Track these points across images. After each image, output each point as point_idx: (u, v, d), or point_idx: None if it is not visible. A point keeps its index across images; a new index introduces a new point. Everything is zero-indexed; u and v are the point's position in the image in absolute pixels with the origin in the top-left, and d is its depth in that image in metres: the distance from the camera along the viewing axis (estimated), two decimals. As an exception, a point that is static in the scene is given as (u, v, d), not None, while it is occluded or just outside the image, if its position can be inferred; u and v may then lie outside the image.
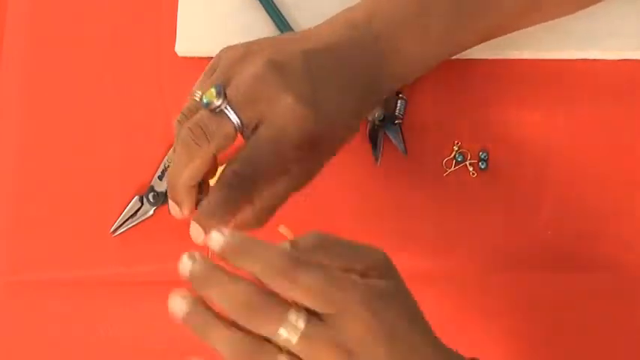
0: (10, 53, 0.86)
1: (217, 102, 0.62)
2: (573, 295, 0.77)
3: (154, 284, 0.79)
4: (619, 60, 0.80)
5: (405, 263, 0.78)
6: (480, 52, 0.81)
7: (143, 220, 0.80)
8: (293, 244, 0.56)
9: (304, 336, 0.51)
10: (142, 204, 0.80)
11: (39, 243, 0.81)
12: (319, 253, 0.56)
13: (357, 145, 0.80)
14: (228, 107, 0.63)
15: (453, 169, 0.80)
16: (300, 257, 0.53)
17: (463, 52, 0.81)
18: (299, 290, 0.52)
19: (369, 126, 0.80)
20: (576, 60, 0.81)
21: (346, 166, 0.80)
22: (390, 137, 0.80)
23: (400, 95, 0.80)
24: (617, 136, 0.79)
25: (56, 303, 0.80)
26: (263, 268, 0.53)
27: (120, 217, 0.80)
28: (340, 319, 0.53)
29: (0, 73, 0.85)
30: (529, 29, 0.80)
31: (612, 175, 0.79)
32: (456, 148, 0.80)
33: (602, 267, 0.78)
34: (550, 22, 0.80)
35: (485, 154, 0.80)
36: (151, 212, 0.80)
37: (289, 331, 0.52)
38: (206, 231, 0.62)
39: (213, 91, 0.63)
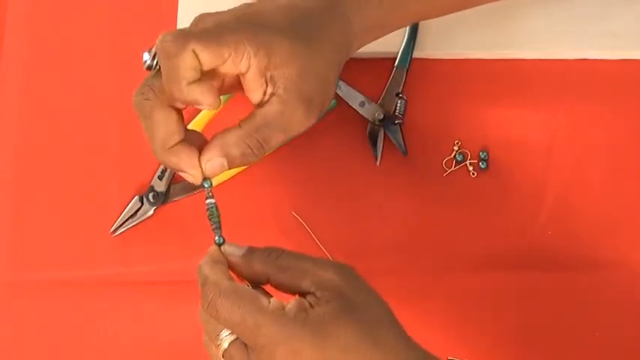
0: (10, 53, 0.86)
1: (149, 61, 0.64)
2: (574, 295, 0.77)
3: (154, 284, 0.79)
4: (619, 60, 0.80)
5: (405, 262, 0.79)
6: (480, 52, 0.81)
7: (143, 220, 0.80)
8: (249, 248, 0.62)
9: (227, 353, 0.59)
10: (142, 204, 0.80)
11: (39, 243, 0.81)
12: (268, 266, 0.61)
13: (357, 145, 0.81)
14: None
15: (453, 169, 0.80)
16: (225, 290, 0.59)
17: (463, 52, 0.81)
18: (221, 323, 0.59)
19: (369, 126, 0.80)
20: (576, 60, 0.81)
21: (346, 166, 0.80)
22: (390, 137, 0.80)
23: (400, 95, 0.81)
24: (617, 135, 0.80)
25: (56, 303, 0.80)
26: (201, 301, 0.60)
27: (120, 217, 0.80)
28: (259, 354, 0.58)
29: (0, 73, 0.85)
30: (529, 29, 0.80)
31: (612, 174, 0.79)
32: (456, 148, 0.80)
33: (603, 266, 0.78)
34: (550, 23, 0.80)
35: (485, 154, 0.80)
36: (151, 212, 0.80)
37: (219, 346, 0.60)
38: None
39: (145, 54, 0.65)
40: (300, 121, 0.65)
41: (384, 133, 0.80)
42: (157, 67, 0.63)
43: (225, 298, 0.58)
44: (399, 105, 0.80)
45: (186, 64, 0.60)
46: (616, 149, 0.79)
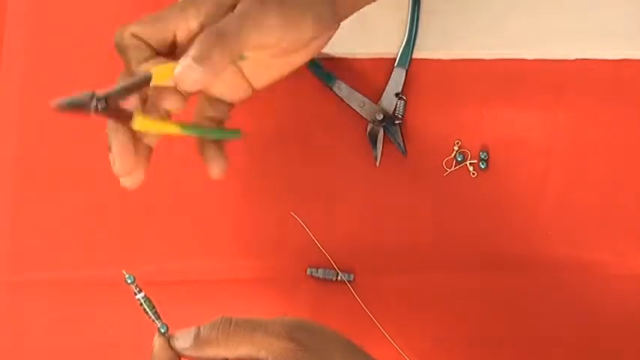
0: (10, 53, 0.86)
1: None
2: (574, 295, 0.77)
3: (154, 284, 0.79)
4: (619, 60, 0.80)
5: (404, 262, 0.79)
6: (480, 52, 0.81)
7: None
8: (196, 334, 0.60)
9: None
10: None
11: (39, 243, 0.81)
12: (220, 346, 0.59)
13: (357, 145, 0.81)
14: None
15: (453, 169, 0.80)
16: None
17: (463, 52, 0.81)
18: None
19: (369, 126, 0.80)
20: (576, 60, 0.81)
21: (346, 166, 0.80)
22: (390, 137, 0.80)
23: (400, 95, 0.81)
24: (617, 136, 0.79)
25: (56, 303, 0.80)
26: None
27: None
28: None
29: (0, 73, 0.85)
30: (529, 29, 0.80)
31: (612, 174, 0.79)
32: (456, 148, 0.80)
33: (602, 266, 0.78)
34: (550, 22, 0.80)
35: (485, 154, 0.80)
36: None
37: None
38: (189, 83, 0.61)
39: None
40: (272, 20, 0.62)
41: (384, 134, 0.80)
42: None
43: None
44: (398, 105, 0.80)
45: (129, 44, 0.64)
46: (616, 149, 0.79)
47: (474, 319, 0.77)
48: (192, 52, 0.60)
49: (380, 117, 0.80)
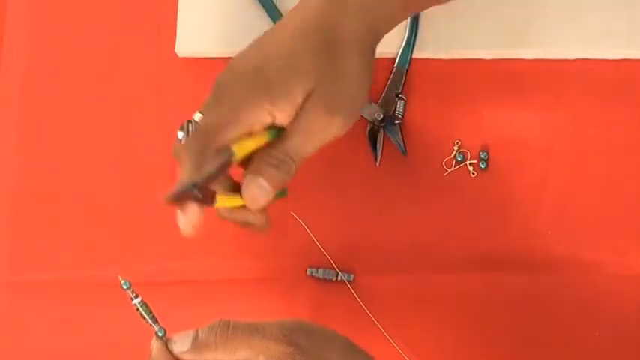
0: (10, 53, 0.86)
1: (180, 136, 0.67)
2: (574, 295, 0.77)
3: (154, 284, 0.79)
4: (619, 60, 0.80)
5: (404, 262, 0.79)
6: (480, 52, 0.81)
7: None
8: (194, 337, 0.59)
9: None
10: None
11: (39, 243, 0.81)
12: (219, 351, 0.58)
13: (357, 145, 0.81)
14: None
15: (453, 169, 0.80)
16: None
17: (463, 52, 0.81)
18: None
19: (369, 126, 0.80)
20: (576, 60, 0.81)
21: (346, 166, 0.80)
22: (390, 137, 0.80)
23: (400, 95, 0.81)
24: (617, 135, 0.79)
25: (56, 303, 0.80)
26: None
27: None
28: None
29: (0, 73, 0.85)
30: (529, 29, 0.80)
31: (612, 174, 0.79)
32: (456, 148, 0.80)
33: (602, 266, 0.78)
34: (550, 23, 0.80)
35: (485, 154, 0.80)
36: None
37: None
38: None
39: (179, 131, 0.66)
40: (326, 129, 0.65)
41: (384, 134, 0.80)
42: None
43: None
44: (398, 105, 0.80)
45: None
46: (616, 149, 0.79)
47: (474, 318, 0.77)
48: (264, 175, 0.63)
49: (380, 117, 0.80)
